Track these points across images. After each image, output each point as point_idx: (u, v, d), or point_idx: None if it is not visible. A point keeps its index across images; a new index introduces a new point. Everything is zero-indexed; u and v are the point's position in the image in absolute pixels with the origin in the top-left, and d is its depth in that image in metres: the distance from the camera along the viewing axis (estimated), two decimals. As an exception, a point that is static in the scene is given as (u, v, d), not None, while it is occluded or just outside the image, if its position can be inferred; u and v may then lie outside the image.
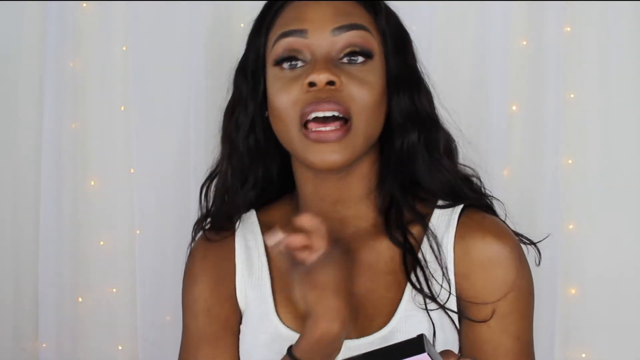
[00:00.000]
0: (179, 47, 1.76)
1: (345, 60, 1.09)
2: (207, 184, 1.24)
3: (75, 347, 1.84)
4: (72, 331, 1.83)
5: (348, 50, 1.09)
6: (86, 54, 1.81)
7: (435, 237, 1.12)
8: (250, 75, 1.16)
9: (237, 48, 1.74)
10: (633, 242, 1.69)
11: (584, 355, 1.72)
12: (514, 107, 1.71)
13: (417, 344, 0.87)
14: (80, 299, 1.84)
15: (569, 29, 1.69)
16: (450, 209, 1.14)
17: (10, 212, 1.85)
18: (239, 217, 1.23)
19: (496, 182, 1.22)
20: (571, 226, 1.71)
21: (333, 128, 1.07)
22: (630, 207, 1.69)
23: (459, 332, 1.11)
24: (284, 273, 1.16)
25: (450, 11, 1.68)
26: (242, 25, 1.76)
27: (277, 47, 1.11)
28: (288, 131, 1.10)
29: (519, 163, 1.70)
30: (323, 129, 1.07)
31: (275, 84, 1.11)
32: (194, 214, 1.73)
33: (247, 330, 1.17)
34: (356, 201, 1.15)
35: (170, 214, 1.78)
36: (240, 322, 1.19)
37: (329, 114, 1.06)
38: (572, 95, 1.70)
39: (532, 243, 1.17)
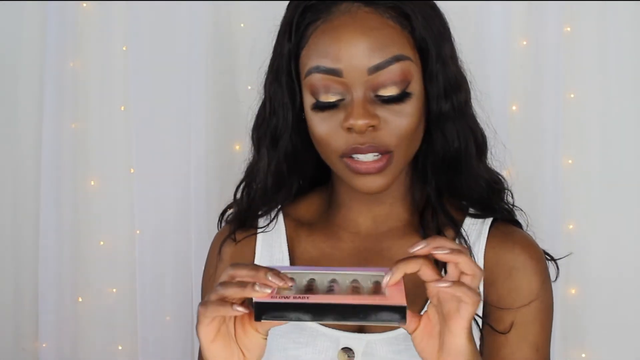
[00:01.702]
0: (179, 47, 1.76)
1: (385, 101, 1.06)
2: (243, 183, 1.22)
3: (75, 347, 1.84)
4: (72, 331, 1.83)
5: (385, 88, 1.06)
6: (86, 54, 1.81)
7: (467, 243, 1.13)
8: (285, 83, 1.13)
9: (238, 48, 1.76)
10: (633, 242, 1.69)
11: (584, 355, 1.72)
12: (514, 107, 1.71)
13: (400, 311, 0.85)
14: (80, 299, 1.84)
15: (568, 28, 1.69)
16: (481, 219, 1.16)
17: (10, 212, 1.85)
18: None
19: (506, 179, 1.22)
20: (571, 226, 1.71)
21: (374, 158, 1.06)
22: (630, 207, 1.69)
23: (480, 336, 1.12)
24: (306, 264, 1.17)
25: (450, 11, 1.67)
26: (242, 25, 1.76)
27: (312, 78, 1.07)
28: (328, 157, 1.10)
29: (519, 163, 1.70)
30: (364, 159, 1.07)
31: (315, 114, 1.09)
32: (194, 214, 1.74)
33: None
34: (392, 202, 1.17)
35: (170, 214, 1.78)
36: None
37: (369, 156, 1.07)
38: (572, 95, 1.70)
39: (553, 259, 1.20)
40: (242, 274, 0.92)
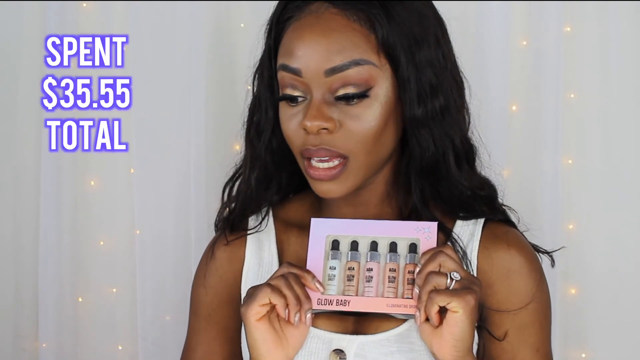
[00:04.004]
0: (179, 47, 1.76)
1: (341, 98, 1.06)
2: (230, 184, 1.22)
3: (75, 347, 1.84)
4: (72, 331, 1.83)
5: (342, 92, 1.05)
6: (86, 54, 1.81)
7: (460, 245, 1.13)
8: (267, 79, 1.14)
9: (237, 48, 1.76)
10: (633, 242, 1.69)
11: (584, 355, 1.72)
12: (514, 107, 1.71)
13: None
14: (80, 299, 1.84)
15: (569, 29, 1.69)
16: (473, 220, 1.15)
17: (10, 212, 1.85)
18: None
19: (496, 182, 1.21)
20: (571, 226, 1.71)
21: (328, 166, 1.07)
22: (630, 207, 1.69)
23: (479, 339, 1.12)
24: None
25: (450, 11, 1.67)
26: (242, 25, 1.76)
27: (280, 75, 1.09)
28: (295, 155, 1.11)
29: (519, 163, 1.70)
30: (318, 165, 1.07)
31: (281, 110, 1.10)
32: (194, 214, 1.74)
33: None
34: (376, 203, 1.15)
35: (170, 214, 1.79)
36: (240, 328, 1.19)
37: (324, 159, 1.07)
38: (572, 95, 1.70)
39: (546, 252, 1.20)
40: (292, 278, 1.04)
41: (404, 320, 1.09)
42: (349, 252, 1.08)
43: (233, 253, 1.21)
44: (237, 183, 1.21)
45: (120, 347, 1.84)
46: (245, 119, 1.19)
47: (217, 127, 1.75)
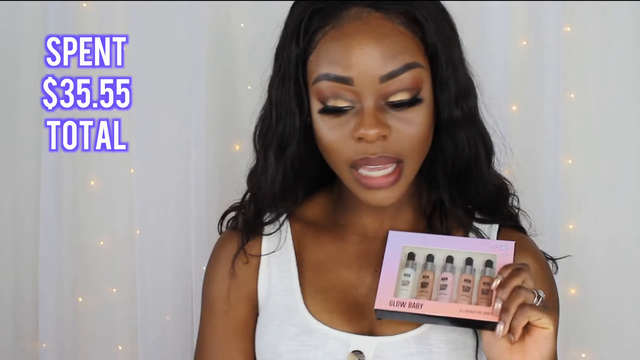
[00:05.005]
0: (179, 47, 1.76)
1: (395, 105, 1.05)
2: (248, 193, 1.21)
3: (75, 347, 1.84)
4: (72, 331, 1.83)
5: (396, 98, 1.04)
6: (86, 54, 1.81)
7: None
8: (293, 89, 1.10)
9: (237, 48, 1.76)
10: (633, 242, 1.69)
11: (584, 355, 1.72)
12: (514, 107, 1.71)
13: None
14: (80, 299, 1.84)
15: (569, 29, 1.69)
16: (488, 224, 1.17)
17: (10, 212, 1.85)
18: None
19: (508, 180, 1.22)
20: (571, 226, 1.71)
21: (384, 173, 1.06)
22: (630, 207, 1.69)
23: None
24: (313, 265, 1.17)
25: (450, 11, 1.67)
26: (242, 25, 1.76)
27: (320, 85, 1.05)
28: (337, 166, 1.09)
29: (519, 163, 1.70)
30: (374, 174, 1.06)
31: (323, 121, 1.07)
32: (194, 214, 1.74)
33: (271, 322, 1.16)
34: (398, 204, 1.15)
35: (170, 214, 1.78)
36: (254, 325, 1.19)
37: (380, 167, 1.06)
38: (572, 95, 1.70)
39: (552, 259, 1.22)
40: None
41: None
42: (425, 263, 1.07)
43: (249, 248, 1.20)
44: (256, 192, 1.19)
45: (120, 347, 1.84)
46: (258, 129, 1.16)
47: (217, 127, 1.74)
